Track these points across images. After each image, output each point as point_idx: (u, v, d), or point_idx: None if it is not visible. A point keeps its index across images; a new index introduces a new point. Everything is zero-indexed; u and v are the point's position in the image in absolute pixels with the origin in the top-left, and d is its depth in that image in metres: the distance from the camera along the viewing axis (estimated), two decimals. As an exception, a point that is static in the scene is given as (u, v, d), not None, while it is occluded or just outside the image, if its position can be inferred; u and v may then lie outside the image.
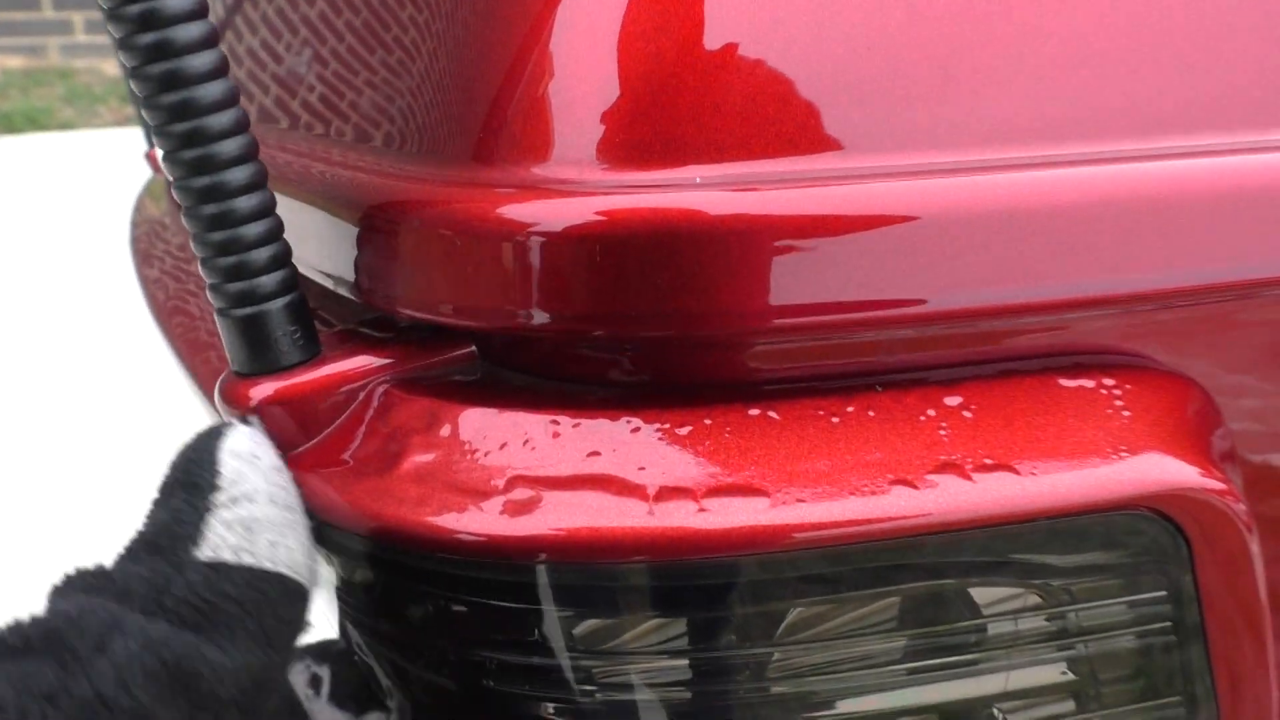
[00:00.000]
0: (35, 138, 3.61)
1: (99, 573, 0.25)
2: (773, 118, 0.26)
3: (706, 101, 0.26)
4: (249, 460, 0.26)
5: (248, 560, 0.25)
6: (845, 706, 0.28)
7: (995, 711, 0.29)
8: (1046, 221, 0.26)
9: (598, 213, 0.25)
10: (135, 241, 0.58)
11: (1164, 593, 0.28)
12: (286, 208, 0.34)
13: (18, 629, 0.23)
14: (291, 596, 0.25)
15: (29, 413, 1.89)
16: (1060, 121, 0.27)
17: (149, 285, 0.49)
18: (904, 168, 0.26)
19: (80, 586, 0.24)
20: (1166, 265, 0.27)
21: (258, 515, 0.25)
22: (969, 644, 0.28)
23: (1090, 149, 0.27)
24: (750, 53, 0.26)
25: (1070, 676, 0.28)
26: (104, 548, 0.28)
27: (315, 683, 0.33)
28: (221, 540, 0.25)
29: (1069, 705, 0.29)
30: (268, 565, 0.25)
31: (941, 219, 0.25)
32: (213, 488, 0.25)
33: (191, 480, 0.26)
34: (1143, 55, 0.28)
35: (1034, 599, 0.28)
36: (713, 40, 0.26)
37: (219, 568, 0.24)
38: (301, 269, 0.35)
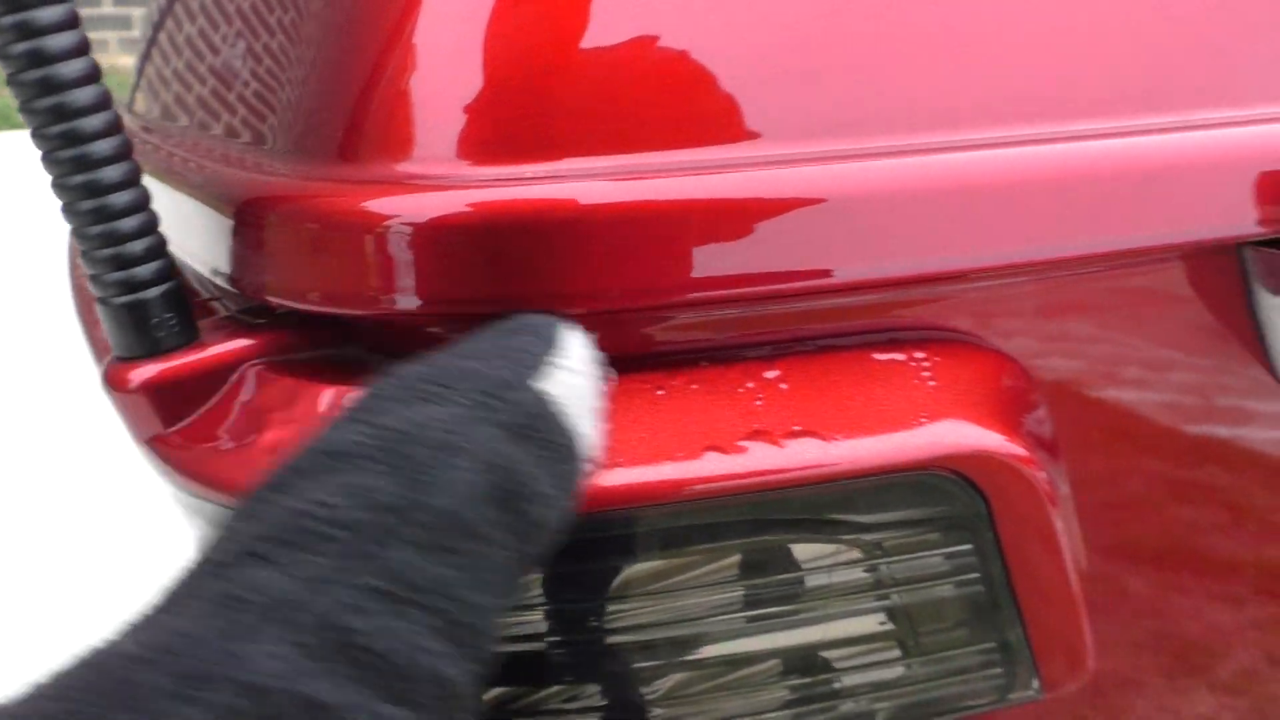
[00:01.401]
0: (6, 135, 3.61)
1: (429, 370, 0.24)
2: (610, 116, 0.29)
3: (555, 102, 0.29)
4: (584, 342, 0.27)
5: (566, 416, 0.25)
6: (685, 655, 0.30)
7: (826, 658, 0.31)
8: (850, 208, 0.28)
9: (443, 206, 0.28)
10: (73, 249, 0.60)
11: (969, 547, 0.30)
12: (177, 203, 0.36)
13: (356, 430, 0.23)
14: (579, 477, 0.25)
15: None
16: (866, 118, 0.29)
17: (79, 285, 0.52)
18: (728, 160, 0.29)
19: (407, 386, 0.24)
20: (968, 247, 0.30)
21: (583, 389, 0.26)
22: (796, 596, 0.30)
23: (896, 142, 0.30)
24: (600, 58, 0.29)
25: (890, 626, 0.31)
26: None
27: None
28: (555, 386, 0.25)
29: (894, 652, 0.32)
30: (578, 428, 0.25)
31: (752, 210, 0.28)
32: (554, 344, 0.26)
33: (535, 331, 0.26)
34: (945, 55, 0.30)
35: (854, 554, 0.30)
36: (576, 49, 0.29)
37: (550, 403, 0.24)
38: (190, 261, 0.37)
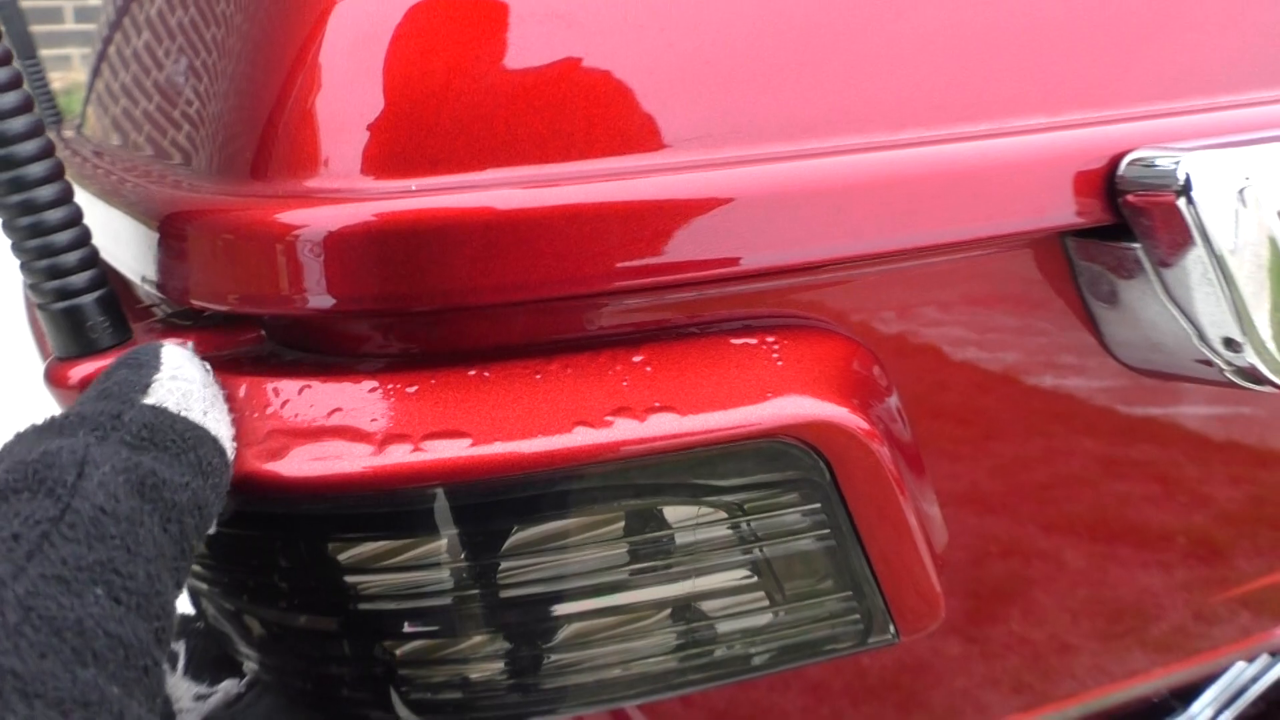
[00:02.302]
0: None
1: (51, 422, 0.29)
2: (480, 136, 0.32)
3: (442, 124, 0.33)
4: (186, 353, 0.32)
5: (185, 414, 0.30)
6: (575, 607, 0.34)
7: (702, 608, 0.35)
8: (706, 211, 0.32)
9: (344, 217, 0.32)
10: None
11: (818, 505, 0.34)
12: (110, 217, 0.40)
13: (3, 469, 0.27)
14: (221, 454, 0.30)
15: None
16: (717, 131, 0.34)
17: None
18: (593, 171, 0.33)
19: (36, 434, 0.29)
20: (815, 241, 0.34)
21: (193, 390, 0.31)
22: (670, 552, 0.34)
23: (747, 151, 0.34)
24: (472, 86, 0.33)
25: (757, 578, 0.35)
26: None
27: (172, 659, 0.39)
28: (165, 395, 0.30)
29: (762, 602, 0.36)
30: (200, 421, 0.30)
31: (619, 213, 0.32)
32: (156, 367, 0.31)
33: (138, 362, 0.31)
34: (794, 72, 0.34)
35: (720, 514, 0.34)
36: (452, 74, 0.33)
37: (162, 412, 0.29)
38: (123, 270, 0.41)
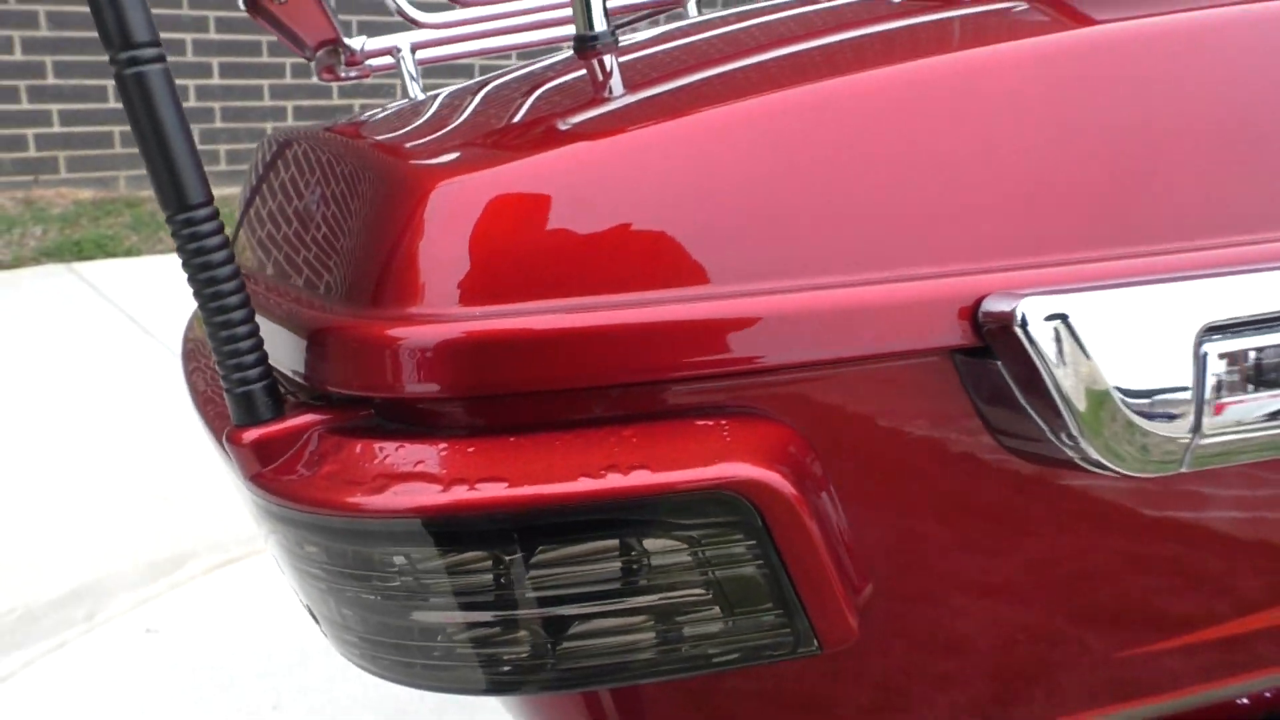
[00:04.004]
0: (104, 263, 3.99)
1: None
2: (529, 278, 0.49)
3: (500, 272, 0.49)
4: None
5: None
6: (582, 609, 0.49)
7: (675, 616, 0.50)
8: (679, 332, 0.48)
9: (428, 334, 0.48)
10: (185, 353, 0.82)
11: (754, 542, 0.49)
12: (275, 330, 0.57)
13: None
14: None
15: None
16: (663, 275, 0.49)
17: (192, 380, 0.73)
18: (609, 303, 0.49)
19: None
20: (755, 355, 0.49)
21: None
22: (649, 571, 0.49)
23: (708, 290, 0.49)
24: (513, 248, 0.49)
25: (712, 594, 0.50)
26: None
27: None
28: None
29: (717, 612, 0.50)
30: None
31: (605, 335, 0.48)
32: None
33: None
34: (750, 231, 0.50)
35: (684, 545, 0.49)
36: (508, 238, 0.49)
37: None
38: (278, 366, 0.58)
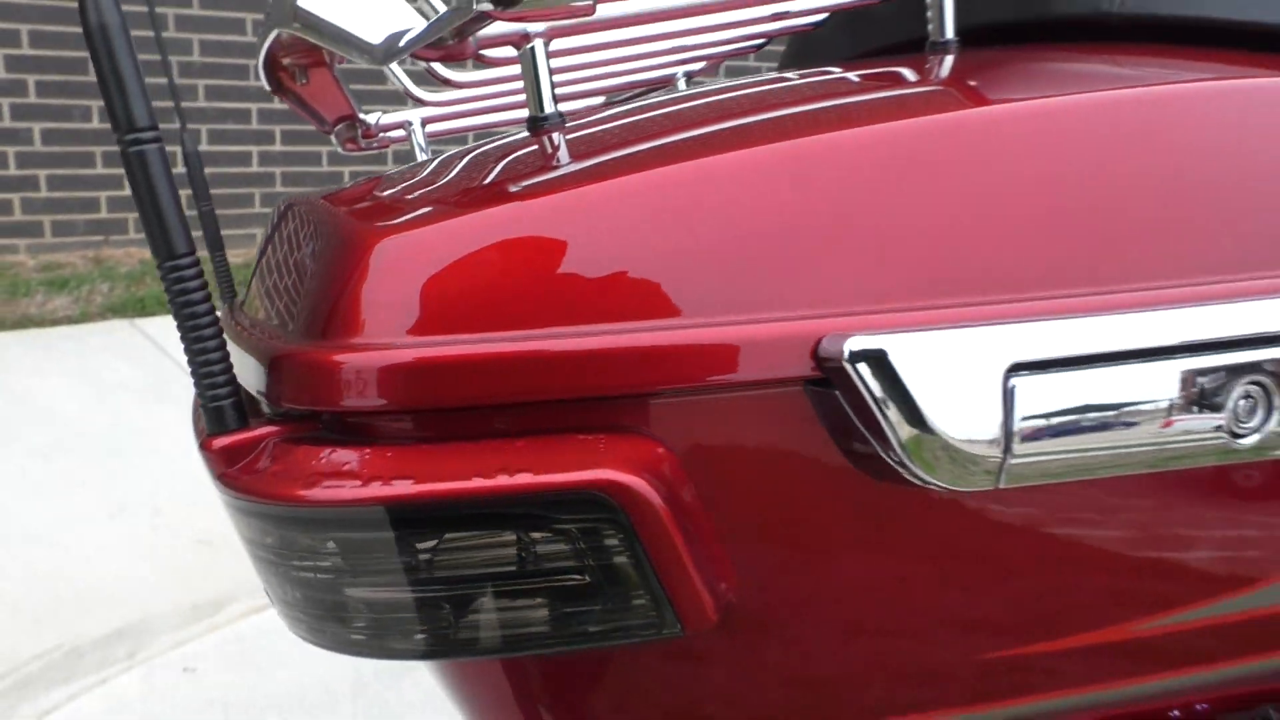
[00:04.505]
0: (163, 319, 4.22)
1: None
2: (443, 316, 0.60)
3: (422, 315, 0.61)
4: None
5: None
6: (484, 591, 0.60)
7: (561, 597, 0.60)
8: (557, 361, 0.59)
9: (366, 360, 0.60)
10: None
11: (623, 536, 0.59)
12: (250, 359, 0.69)
13: None
14: None
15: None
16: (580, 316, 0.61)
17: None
18: (524, 336, 0.60)
19: None
20: (627, 384, 0.60)
21: None
22: (539, 557, 0.60)
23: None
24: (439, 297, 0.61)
25: (590, 580, 0.60)
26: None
27: None
28: None
29: (596, 595, 0.60)
30: None
31: (501, 363, 0.59)
32: None
33: None
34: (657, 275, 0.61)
35: (564, 537, 0.60)
36: (432, 284, 0.61)
37: None
38: (247, 385, 0.70)
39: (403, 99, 1.24)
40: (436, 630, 0.60)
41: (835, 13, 1.05)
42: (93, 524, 3.14)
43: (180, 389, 3.68)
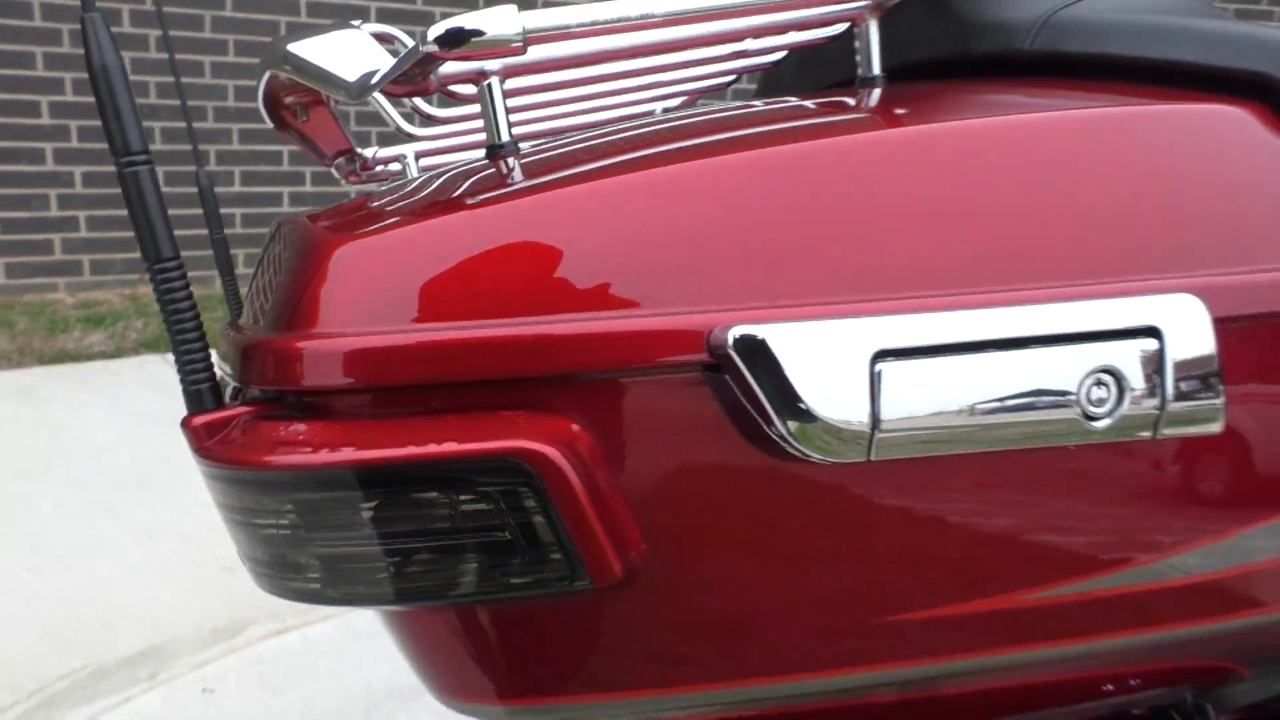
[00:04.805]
0: (195, 355, 4.39)
1: None
2: (382, 310, 0.71)
3: (362, 312, 0.72)
4: None
5: None
6: (413, 545, 0.70)
7: (482, 553, 0.70)
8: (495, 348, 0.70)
9: (321, 348, 0.71)
10: None
11: (538, 498, 0.69)
12: (233, 352, 0.80)
13: None
14: None
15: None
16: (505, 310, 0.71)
17: None
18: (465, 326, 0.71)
19: None
20: (530, 368, 0.70)
21: None
22: (464, 515, 0.70)
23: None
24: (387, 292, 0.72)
25: (510, 537, 0.70)
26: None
27: None
28: None
29: (516, 553, 0.70)
30: None
31: (434, 350, 0.69)
32: None
33: None
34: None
35: (487, 498, 0.70)
36: (375, 284, 0.72)
37: None
38: (222, 372, 0.81)
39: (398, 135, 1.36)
40: (378, 580, 0.70)
41: (793, 51, 1.16)
42: (120, 549, 3.27)
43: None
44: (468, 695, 0.77)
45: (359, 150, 1.38)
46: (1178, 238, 0.76)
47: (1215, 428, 0.74)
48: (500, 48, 0.73)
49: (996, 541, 0.78)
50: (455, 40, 0.73)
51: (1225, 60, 0.85)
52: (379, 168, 1.41)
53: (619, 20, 0.76)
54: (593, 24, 0.77)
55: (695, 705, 0.79)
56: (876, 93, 0.93)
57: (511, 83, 0.85)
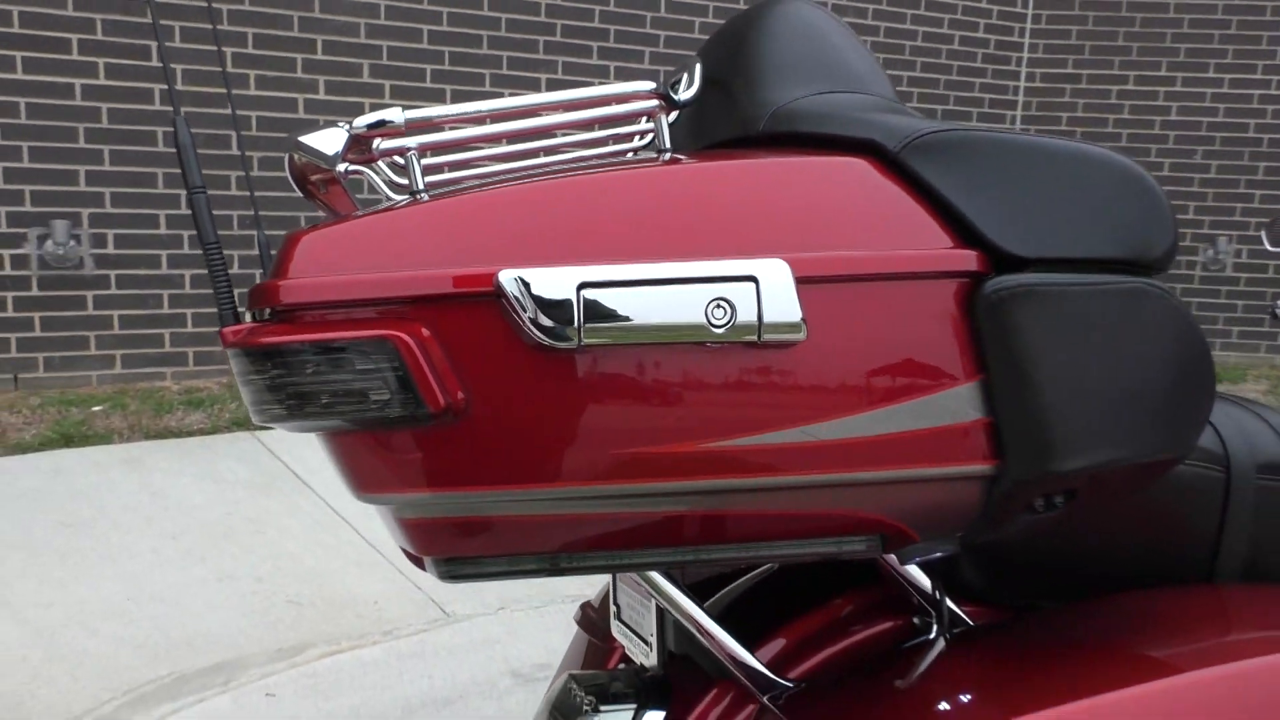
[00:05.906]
0: (278, 431, 5.18)
1: None
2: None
3: (324, 260, 1.39)
4: None
5: None
6: (319, 386, 1.36)
7: (373, 394, 1.36)
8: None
9: (287, 283, 1.38)
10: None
11: (399, 363, 1.34)
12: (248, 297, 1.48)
13: None
14: None
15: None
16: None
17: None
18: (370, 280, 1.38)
19: None
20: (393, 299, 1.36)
21: None
22: (360, 378, 1.35)
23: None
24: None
25: (385, 385, 1.35)
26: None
27: None
28: None
29: (389, 395, 1.36)
30: None
31: (360, 293, 1.36)
32: None
33: None
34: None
35: (373, 362, 1.35)
36: (325, 258, 1.40)
37: None
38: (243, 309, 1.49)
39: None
40: (318, 410, 1.35)
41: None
42: (205, 587, 3.99)
43: (286, 486, 4.57)
44: (378, 489, 1.38)
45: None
46: (785, 230, 1.40)
47: (799, 336, 1.36)
48: (395, 129, 1.42)
49: (676, 400, 1.40)
50: (370, 124, 1.42)
51: (854, 132, 1.50)
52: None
53: (469, 114, 1.45)
54: (452, 115, 1.45)
55: (526, 500, 1.37)
56: (661, 157, 1.59)
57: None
